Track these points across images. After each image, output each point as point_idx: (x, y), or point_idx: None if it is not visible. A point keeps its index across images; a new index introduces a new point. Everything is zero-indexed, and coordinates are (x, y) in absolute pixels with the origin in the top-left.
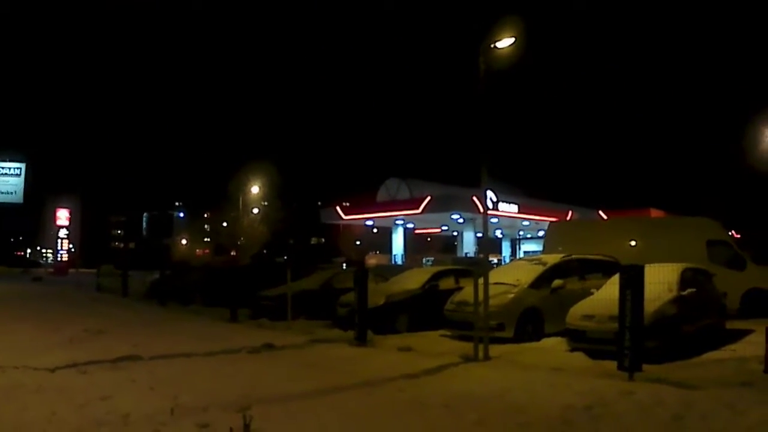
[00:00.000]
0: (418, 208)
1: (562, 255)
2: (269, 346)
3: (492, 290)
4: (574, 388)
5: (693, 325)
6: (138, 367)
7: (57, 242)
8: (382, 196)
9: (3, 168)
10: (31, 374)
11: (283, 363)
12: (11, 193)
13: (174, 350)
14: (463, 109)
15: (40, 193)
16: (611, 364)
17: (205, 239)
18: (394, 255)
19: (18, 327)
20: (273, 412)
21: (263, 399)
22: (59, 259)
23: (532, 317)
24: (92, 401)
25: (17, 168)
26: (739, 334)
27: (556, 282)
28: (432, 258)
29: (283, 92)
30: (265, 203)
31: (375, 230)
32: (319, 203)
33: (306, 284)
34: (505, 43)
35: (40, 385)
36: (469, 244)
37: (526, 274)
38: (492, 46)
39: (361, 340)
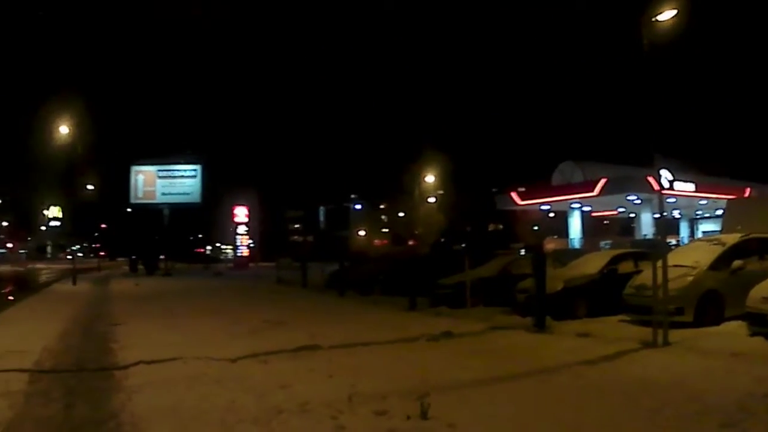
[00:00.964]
0: (593, 191)
1: (741, 234)
2: (448, 334)
3: (670, 273)
4: (754, 375)
5: None
6: (317, 357)
7: (236, 238)
8: (556, 179)
9: (180, 171)
10: (213, 365)
11: (462, 350)
12: (189, 194)
13: (353, 339)
14: (632, 87)
15: (217, 192)
16: None
17: (383, 230)
18: (572, 239)
19: (200, 320)
20: (450, 399)
21: (440, 386)
22: (239, 254)
23: (711, 300)
24: (271, 390)
25: (193, 170)
26: None
27: (736, 263)
28: (609, 241)
29: (455, 80)
30: (441, 191)
31: (552, 215)
32: (494, 190)
33: (484, 271)
34: (667, 15)
35: (220, 375)
36: (646, 226)
37: (704, 256)
38: (653, 19)
39: (539, 327)
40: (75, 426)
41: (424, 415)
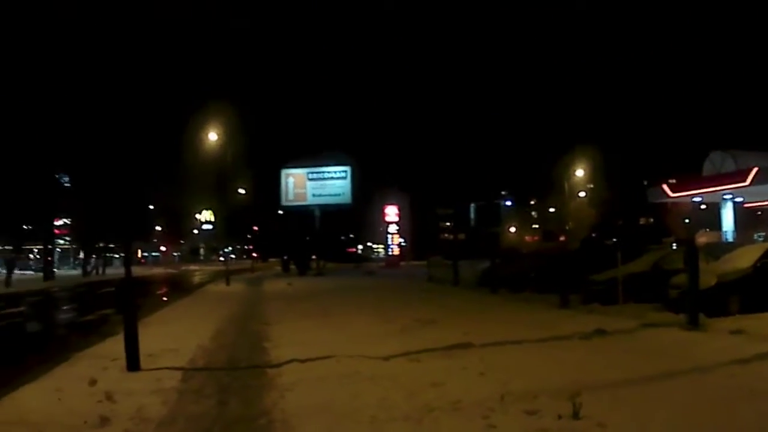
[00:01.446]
0: (745, 181)
1: None
2: (600, 332)
3: None
4: None
5: None
6: (469, 355)
7: (387, 237)
8: (707, 170)
9: (330, 172)
10: (366, 362)
11: (613, 349)
12: (339, 195)
13: (505, 337)
14: None
15: (368, 192)
16: None
17: (533, 226)
18: (724, 232)
19: (353, 319)
20: (601, 398)
21: (592, 385)
22: (390, 253)
23: None
24: (423, 388)
25: (343, 171)
26: None
27: None
28: (763, 233)
29: (604, 72)
30: (591, 185)
31: (703, 206)
32: (645, 182)
33: (635, 267)
34: None
35: (373, 372)
36: None
37: None
38: None
39: (693, 324)
40: (227, 423)
41: (575, 415)
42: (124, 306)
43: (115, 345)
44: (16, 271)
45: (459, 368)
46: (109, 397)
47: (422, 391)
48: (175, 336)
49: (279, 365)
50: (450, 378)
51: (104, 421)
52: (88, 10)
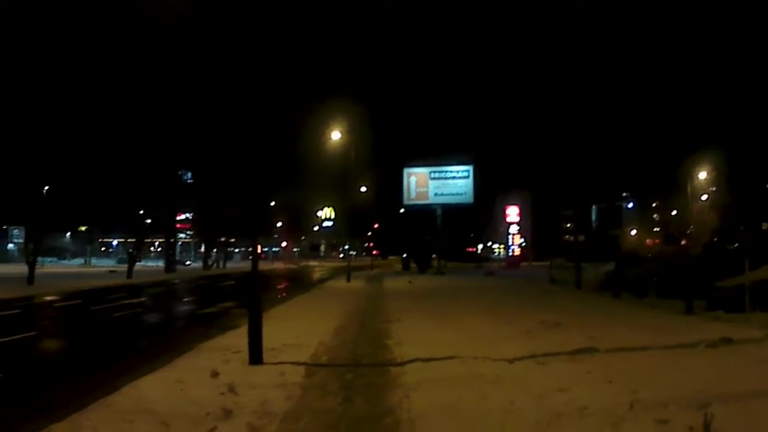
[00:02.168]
0: None
1: None
2: (726, 341)
3: None
4: None
5: None
6: (594, 360)
7: (508, 237)
8: None
9: (452, 172)
10: (490, 364)
11: (741, 358)
12: (461, 194)
13: (630, 343)
14: None
15: (489, 192)
16: None
17: (654, 229)
18: None
19: (474, 319)
20: (732, 411)
21: (722, 397)
22: (510, 253)
23: None
24: (550, 392)
25: (465, 171)
26: None
27: None
28: None
29: (726, 71)
30: (713, 188)
31: None
32: None
33: (764, 273)
34: None
35: (498, 375)
36: None
37: None
38: None
39: None
40: (352, 420)
41: (707, 428)
42: (249, 300)
43: (237, 338)
44: (139, 263)
45: (584, 373)
46: (231, 389)
47: (549, 396)
48: (296, 331)
49: (402, 364)
50: (576, 383)
51: (227, 413)
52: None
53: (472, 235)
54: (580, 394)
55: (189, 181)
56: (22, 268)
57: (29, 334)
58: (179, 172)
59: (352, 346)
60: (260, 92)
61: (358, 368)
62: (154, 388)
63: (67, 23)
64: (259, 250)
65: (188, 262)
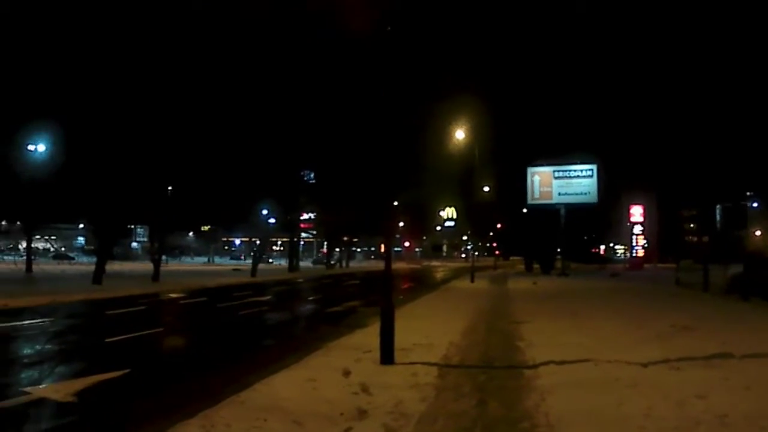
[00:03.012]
0: None
1: None
2: None
3: None
4: None
5: None
6: (730, 366)
7: (632, 238)
8: None
9: (576, 171)
10: (625, 368)
11: None
12: (585, 194)
13: (765, 349)
14: None
15: (613, 191)
16: None
17: None
18: None
19: (603, 321)
20: None
21: None
22: (634, 254)
23: None
24: (687, 399)
25: (590, 170)
26: None
27: None
28: None
29: None
30: None
31: None
32: None
33: None
34: None
35: (634, 379)
36: None
37: None
38: None
39: None
40: (488, 424)
41: None
42: (381, 299)
43: (367, 337)
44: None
45: (721, 379)
46: (364, 389)
47: (688, 402)
48: (425, 331)
49: (535, 366)
50: (713, 390)
51: (362, 413)
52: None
53: (594, 235)
54: (719, 402)
55: (312, 180)
56: (146, 266)
57: (156, 330)
58: (302, 172)
59: (482, 347)
60: (385, 92)
61: (490, 370)
62: (286, 387)
63: (189, 21)
64: (383, 250)
65: (271, 260)
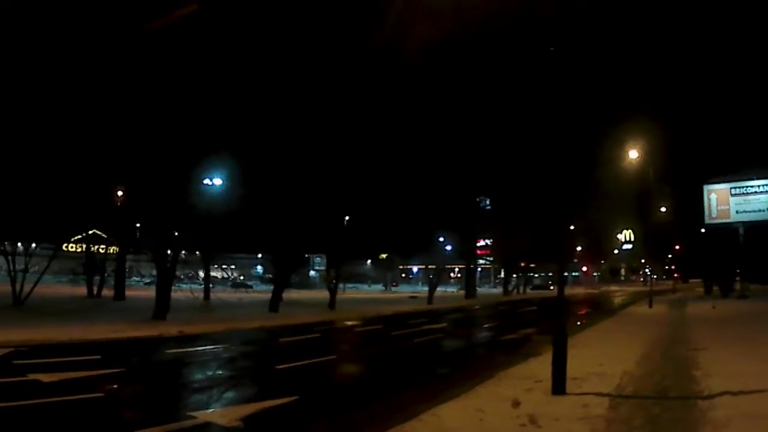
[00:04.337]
0: None
1: None
2: None
3: None
4: None
5: None
6: None
7: None
8: None
9: (754, 186)
10: None
11: None
12: (764, 210)
13: None
14: None
15: None
16: None
17: None
18: None
19: None
20: None
21: None
22: None
23: None
24: None
25: (766, 185)
26: None
27: None
28: None
29: None
30: None
31: None
32: None
33: None
34: None
35: None
36: None
37: None
38: None
39: None
40: None
41: None
42: (553, 327)
43: (539, 366)
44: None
45: None
46: (533, 420)
47: None
48: (599, 359)
49: (711, 397)
50: None
51: None
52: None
53: None
54: None
55: (488, 207)
56: (323, 294)
57: (328, 357)
58: (478, 198)
59: (657, 376)
60: (557, 116)
61: (664, 401)
62: (453, 417)
63: (362, 55)
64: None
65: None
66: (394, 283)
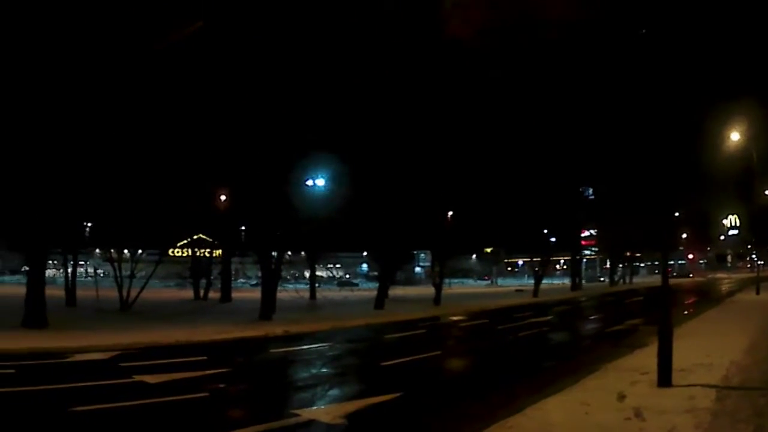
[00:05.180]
0: None
1: None
2: None
3: None
4: None
5: None
6: None
7: None
8: None
9: None
10: None
11: None
12: None
13: None
14: None
15: None
16: None
17: None
18: None
19: None
20: None
21: None
22: None
23: None
24: None
25: None
26: None
27: None
28: None
29: None
30: None
31: None
32: None
33: None
34: None
35: None
36: None
37: None
38: None
39: None
40: None
41: None
42: (659, 317)
43: (645, 358)
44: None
45: None
46: (638, 414)
47: None
48: (706, 349)
49: None
50: None
51: None
52: None
53: None
54: None
55: (591, 196)
56: (429, 290)
57: (433, 353)
58: (581, 189)
59: (765, 365)
60: (659, 99)
61: None
62: (558, 410)
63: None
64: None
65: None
66: (486, 277)
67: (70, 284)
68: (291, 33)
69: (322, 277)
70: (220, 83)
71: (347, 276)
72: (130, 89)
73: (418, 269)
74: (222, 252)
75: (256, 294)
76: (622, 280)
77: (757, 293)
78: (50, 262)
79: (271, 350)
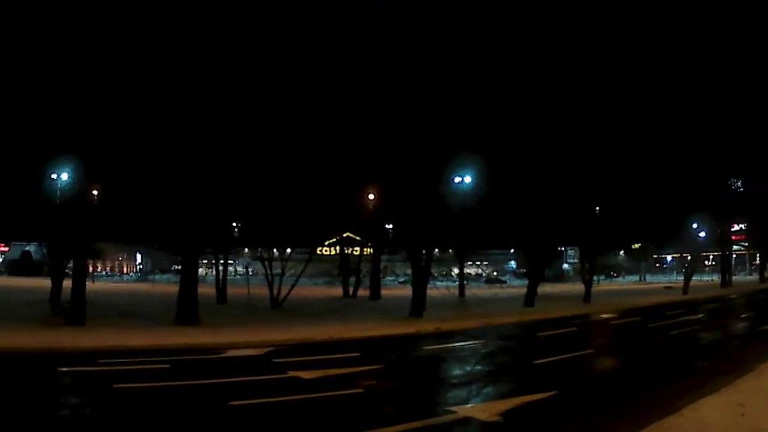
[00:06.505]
0: None
1: None
2: None
3: None
4: None
5: None
6: None
7: None
8: None
9: None
10: None
11: None
12: None
13: None
14: None
15: None
16: None
17: None
18: None
19: None
20: None
21: None
22: None
23: None
24: None
25: None
26: None
27: None
28: None
29: None
30: None
31: None
32: None
33: None
34: None
35: None
36: None
37: None
38: None
39: None
40: None
41: None
42: None
43: None
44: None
45: None
46: None
47: None
48: None
49: None
50: None
51: None
52: None
53: None
54: None
55: (740, 189)
56: (578, 287)
57: (585, 351)
58: (730, 181)
59: None
60: None
61: None
62: (713, 412)
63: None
64: None
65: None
66: (614, 274)
67: (221, 283)
68: (441, 42)
69: (470, 274)
70: (376, 85)
71: (495, 273)
72: (283, 93)
73: (566, 266)
74: (371, 250)
75: (405, 291)
76: None
77: None
78: (200, 261)
79: (424, 347)
